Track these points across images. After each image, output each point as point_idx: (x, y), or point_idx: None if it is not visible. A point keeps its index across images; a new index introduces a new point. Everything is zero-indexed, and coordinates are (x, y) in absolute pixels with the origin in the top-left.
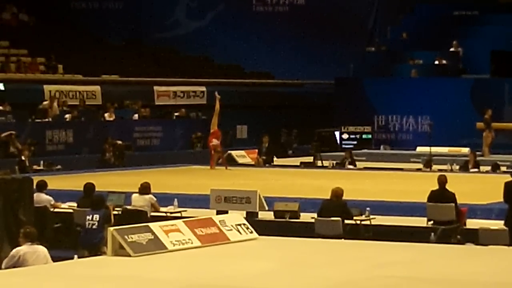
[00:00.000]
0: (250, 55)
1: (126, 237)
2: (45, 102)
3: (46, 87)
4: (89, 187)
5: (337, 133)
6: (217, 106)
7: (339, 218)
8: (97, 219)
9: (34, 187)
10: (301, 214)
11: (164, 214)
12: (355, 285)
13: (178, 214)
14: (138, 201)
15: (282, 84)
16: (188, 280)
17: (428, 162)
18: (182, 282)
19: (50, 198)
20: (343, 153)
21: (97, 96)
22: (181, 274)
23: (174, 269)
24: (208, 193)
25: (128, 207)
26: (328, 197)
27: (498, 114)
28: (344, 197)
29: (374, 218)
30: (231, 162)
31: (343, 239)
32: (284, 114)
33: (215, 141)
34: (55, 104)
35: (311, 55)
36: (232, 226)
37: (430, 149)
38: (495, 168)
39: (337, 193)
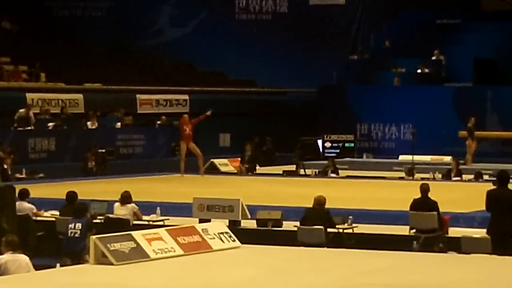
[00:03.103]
0: (233, 63)
1: (108, 245)
2: (21, 110)
3: (29, 95)
4: (72, 195)
5: (319, 142)
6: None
7: (321, 227)
8: (80, 227)
9: (16, 195)
10: (284, 222)
11: (146, 223)
12: None
13: (161, 223)
14: (120, 211)
15: (265, 92)
16: None
17: (411, 170)
18: None
19: (33, 206)
20: (325, 162)
21: (80, 104)
22: (164, 282)
23: (157, 278)
24: (190, 202)
25: (111, 215)
26: (311, 206)
27: (481, 122)
28: (326, 206)
29: (357, 226)
30: (214, 170)
31: (325, 247)
32: (267, 122)
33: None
34: (31, 113)
35: (294, 63)
36: (214, 234)
37: (413, 157)
38: (478, 176)
39: (320, 201)
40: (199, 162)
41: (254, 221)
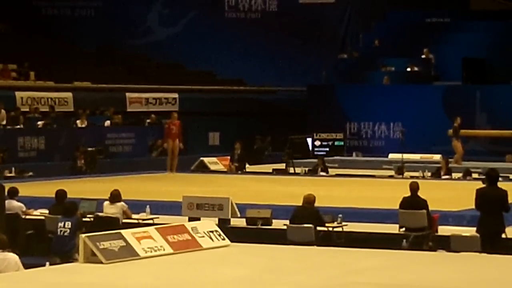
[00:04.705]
0: (222, 62)
1: (98, 244)
2: None
3: (18, 94)
4: (61, 194)
5: (309, 140)
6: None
7: (311, 225)
8: (69, 226)
9: (6, 194)
10: (274, 221)
11: (136, 221)
12: None
13: (150, 221)
14: (110, 209)
15: (255, 91)
16: (160, 287)
17: (400, 169)
18: None
19: (22, 205)
20: (315, 160)
21: (69, 102)
22: (154, 281)
23: (147, 276)
24: (180, 200)
25: (100, 214)
26: (300, 204)
27: (470, 121)
28: (316, 204)
29: (346, 225)
30: (204, 169)
31: (315, 246)
32: (256, 121)
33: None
34: (3, 111)
35: (283, 62)
36: (204, 233)
37: (402, 156)
38: (466, 174)
39: (309, 200)
40: (174, 161)
41: (244, 220)
